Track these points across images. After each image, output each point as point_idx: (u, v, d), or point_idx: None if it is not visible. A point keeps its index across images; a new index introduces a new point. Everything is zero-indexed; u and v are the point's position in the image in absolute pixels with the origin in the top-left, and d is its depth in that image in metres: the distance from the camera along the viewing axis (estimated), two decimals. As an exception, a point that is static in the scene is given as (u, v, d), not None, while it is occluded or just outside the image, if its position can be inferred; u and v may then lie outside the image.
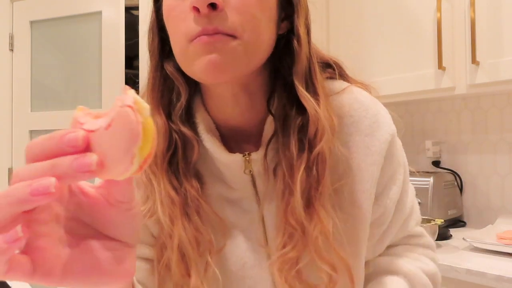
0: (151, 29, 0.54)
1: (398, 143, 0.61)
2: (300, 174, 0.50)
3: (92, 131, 0.28)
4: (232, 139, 0.57)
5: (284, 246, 0.51)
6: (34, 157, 0.29)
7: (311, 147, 0.51)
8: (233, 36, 0.46)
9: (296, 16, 0.52)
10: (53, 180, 0.27)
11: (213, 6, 0.44)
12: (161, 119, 0.53)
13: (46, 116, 2.24)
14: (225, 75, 0.47)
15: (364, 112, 0.57)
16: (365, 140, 0.55)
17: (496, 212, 1.65)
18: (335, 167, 0.54)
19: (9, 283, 1.09)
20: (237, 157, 0.54)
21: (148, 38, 0.55)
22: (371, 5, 1.75)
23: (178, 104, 0.54)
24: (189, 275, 0.51)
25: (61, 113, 2.21)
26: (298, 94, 0.52)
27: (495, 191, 1.67)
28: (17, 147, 2.29)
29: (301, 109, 0.52)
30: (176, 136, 0.53)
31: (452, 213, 1.67)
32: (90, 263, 0.32)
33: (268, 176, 0.54)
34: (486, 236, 1.38)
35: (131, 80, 3.09)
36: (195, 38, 0.46)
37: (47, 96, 2.26)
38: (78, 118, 0.30)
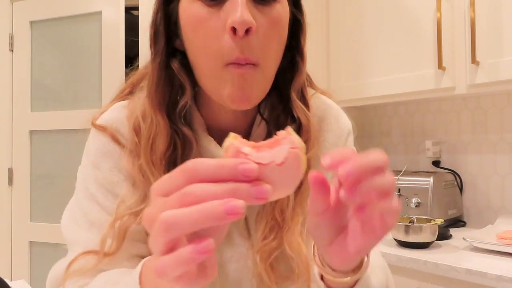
0: (158, 29, 0.54)
1: (352, 137, 0.69)
2: None
3: (263, 164, 0.32)
4: (221, 140, 0.57)
5: (265, 238, 0.55)
6: (201, 178, 0.31)
7: None
8: (256, 65, 0.49)
9: (302, 35, 0.56)
10: (242, 202, 0.30)
11: (246, 30, 0.47)
12: (163, 119, 0.54)
13: (46, 116, 2.24)
14: (249, 105, 0.51)
15: (329, 113, 0.65)
16: (330, 135, 0.63)
17: (496, 212, 1.65)
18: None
19: (9, 283, 1.08)
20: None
21: (153, 38, 0.54)
22: (371, 5, 1.75)
23: (182, 103, 0.55)
24: None
25: (61, 113, 2.21)
26: (294, 105, 0.57)
27: (495, 191, 1.67)
28: (17, 147, 2.29)
29: (292, 117, 0.57)
30: (176, 136, 0.54)
31: (452, 213, 1.67)
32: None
33: None
34: (486, 236, 1.38)
35: (131, 80, 3.08)
36: (229, 64, 0.48)
37: (47, 96, 2.26)
38: (240, 148, 0.33)
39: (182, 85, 0.55)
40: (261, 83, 0.50)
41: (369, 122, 2.14)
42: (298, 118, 0.57)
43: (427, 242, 1.38)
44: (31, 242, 2.26)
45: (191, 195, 0.30)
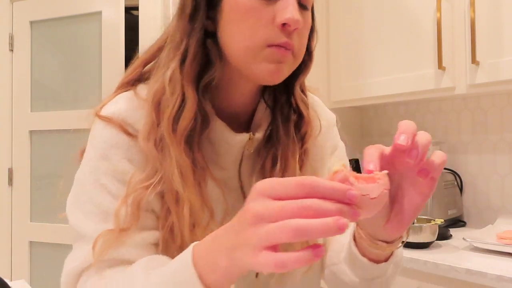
0: (198, 8, 0.57)
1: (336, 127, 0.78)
2: (296, 161, 0.63)
3: (362, 194, 0.40)
4: (228, 124, 0.62)
5: None
6: (316, 195, 0.37)
7: (302, 142, 0.65)
8: (293, 54, 0.57)
9: (312, 37, 0.63)
10: (347, 221, 0.36)
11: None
12: (193, 94, 0.56)
13: (46, 116, 2.24)
14: (278, 80, 0.58)
15: (317, 106, 0.73)
16: (323, 124, 0.69)
17: (496, 212, 1.65)
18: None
19: (9, 283, 1.08)
20: (244, 136, 0.61)
21: (190, 14, 0.57)
22: (371, 5, 1.75)
23: (210, 81, 0.58)
24: (195, 235, 0.55)
25: (61, 113, 2.21)
26: (297, 98, 0.65)
27: (495, 191, 1.67)
28: (17, 147, 2.29)
29: (293, 109, 0.65)
30: (199, 111, 0.57)
31: (452, 213, 1.67)
32: None
33: (255, 156, 0.64)
34: (486, 236, 1.38)
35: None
36: (274, 45, 0.55)
37: (47, 96, 2.26)
38: (348, 177, 0.40)
39: (208, 63, 0.58)
40: (290, 68, 0.59)
41: (369, 122, 2.14)
42: (299, 109, 0.65)
43: (427, 242, 1.38)
44: (31, 242, 2.26)
45: (311, 208, 0.36)
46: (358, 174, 0.42)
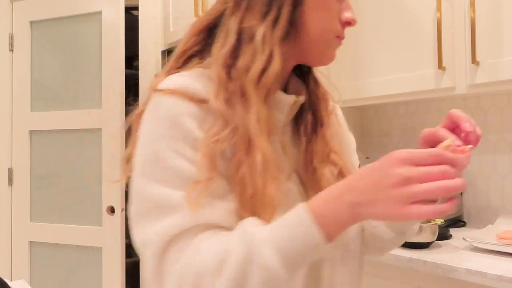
0: None
1: None
2: (328, 124, 0.75)
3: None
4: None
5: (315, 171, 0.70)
6: (445, 162, 0.50)
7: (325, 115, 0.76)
8: None
9: None
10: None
11: None
12: (280, 55, 0.63)
13: (46, 116, 2.24)
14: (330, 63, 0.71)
15: None
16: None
17: (496, 212, 1.65)
18: None
19: (9, 283, 1.08)
20: (292, 98, 0.69)
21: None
22: (371, 5, 1.75)
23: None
24: (267, 184, 0.58)
25: (61, 113, 2.21)
26: (316, 77, 0.78)
27: (495, 191, 1.67)
28: (17, 147, 2.29)
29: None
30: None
31: (452, 213, 1.67)
32: None
33: (293, 121, 0.72)
34: (486, 236, 1.38)
35: (132, 80, 3.09)
36: (337, 37, 0.69)
37: (47, 96, 2.26)
38: (455, 148, 0.56)
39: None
40: None
41: (369, 122, 2.14)
42: (312, 88, 0.76)
43: (427, 242, 1.38)
44: (31, 242, 2.26)
45: (447, 173, 0.48)
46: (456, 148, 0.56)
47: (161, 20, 2.33)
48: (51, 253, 2.23)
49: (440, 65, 1.49)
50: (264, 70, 0.61)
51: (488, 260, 1.22)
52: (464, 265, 1.17)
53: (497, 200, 1.66)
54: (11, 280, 1.29)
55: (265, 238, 0.51)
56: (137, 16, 2.35)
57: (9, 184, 2.29)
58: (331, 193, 0.53)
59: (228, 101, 0.60)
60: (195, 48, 0.69)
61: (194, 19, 2.38)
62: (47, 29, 2.27)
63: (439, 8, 1.49)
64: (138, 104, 0.68)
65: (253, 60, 0.61)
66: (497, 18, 1.37)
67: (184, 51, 0.69)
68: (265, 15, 0.62)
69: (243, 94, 0.60)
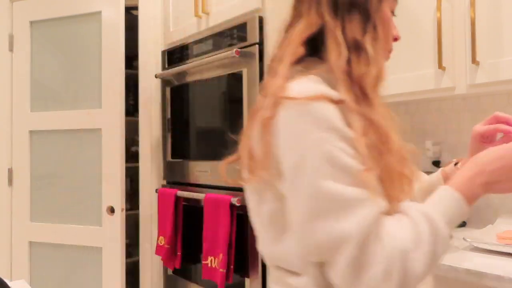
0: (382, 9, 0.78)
1: None
2: None
3: None
4: None
5: None
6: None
7: None
8: None
9: None
10: None
11: None
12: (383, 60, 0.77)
13: (46, 116, 2.24)
14: None
15: None
16: None
17: (496, 212, 1.65)
18: None
19: (9, 283, 1.08)
20: None
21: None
22: (371, 5, 1.75)
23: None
24: (403, 170, 0.69)
25: (61, 113, 2.21)
26: None
27: (495, 191, 1.67)
28: (17, 147, 2.29)
29: None
30: None
31: (452, 213, 1.67)
32: None
33: None
34: (486, 236, 1.38)
35: (132, 80, 3.09)
36: (389, 51, 0.83)
37: (47, 96, 2.26)
38: None
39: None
40: None
41: (369, 122, 2.14)
42: None
43: (427, 242, 1.38)
44: (31, 242, 2.26)
45: None
46: None
47: (161, 20, 2.33)
48: (51, 253, 2.23)
49: (440, 65, 1.49)
50: (377, 77, 0.71)
51: (488, 260, 1.22)
52: (464, 265, 1.17)
53: (497, 200, 1.66)
54: (11, 280, 1.29)
55: (437, 215, 0.64)
56: (137, 16, 2.35)
57: (9, 184, 2.29)
58: (465, 175, 0.69)
59: (356, 102, 0.67)
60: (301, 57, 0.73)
61: (194, 19, 2.37)
62: (47, 29, 2.27)
63: (439, 8, 1.49)
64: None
65: (369, 69, 0.70)
66: (497, 18, 1.37)
67: (295, 60, 0.72)
68: (364, 29, 0.72)
69: (366, 96, 0.69)
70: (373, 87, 0.70)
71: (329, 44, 0.71)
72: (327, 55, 0.71)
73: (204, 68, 2.01)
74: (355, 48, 0.70)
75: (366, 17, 0.73)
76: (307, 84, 0.67)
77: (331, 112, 0.63)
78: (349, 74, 0.69)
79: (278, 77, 0.69)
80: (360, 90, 0.69)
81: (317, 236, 0.60)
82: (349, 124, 0.65)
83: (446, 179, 0.98)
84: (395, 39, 0.83)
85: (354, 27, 0.71)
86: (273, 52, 0.78)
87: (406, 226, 0.62)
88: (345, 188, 0.60)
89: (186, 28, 2.15)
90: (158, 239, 2.13)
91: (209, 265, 1.79)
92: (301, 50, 0.72)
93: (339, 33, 0.71)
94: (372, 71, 0.70)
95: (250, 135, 0.71)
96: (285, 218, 0.68)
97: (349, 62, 0.70)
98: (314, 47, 0.73)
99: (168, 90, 2.25)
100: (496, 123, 0.88)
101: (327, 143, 0.62)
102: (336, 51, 0.70)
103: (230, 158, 0.81)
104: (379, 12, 0.75)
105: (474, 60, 1.40)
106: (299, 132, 0.63)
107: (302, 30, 0.73)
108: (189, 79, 2.11)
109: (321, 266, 0.65)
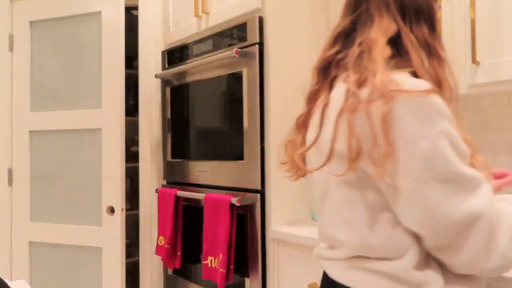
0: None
1: None
2: None
3: None
4: None
5: None
6: None
7: None
8: None
9: None
10: None
11: None
12: None
13: (46, 116, 2.24)
14: None
15: None
16: None
17: (496, 212, 1.65)
18: None
19: (9, 283, 1.08)
20: None
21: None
22: (371, 5, 1.75)
23: None
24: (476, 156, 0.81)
25: (61, 113, 2.21)
26: None
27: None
28: (17, 147, 2.29)
29: None
30: None
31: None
32: None
33: None
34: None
35: (132, 80, 3.09)
36: None
37: (47, 96, 2.26)
38: None
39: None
40: None
41: (369, 122, 2.13)
42: None
43: (427, 242, 1.38)
44: (31, 242, 2.26)
45: None
46: None
47: (161, 20, 2.34)
48: (51, 253, 2.23)
49: (440, 65, 1.49)
50: (451, 74, 0.82)
51: (488, 260, 1.21)
52: None
53: (497, 200, 1.66)
54: (11, 280, 1.29)
55: None
56: (137, 16, 2.35)
57: (9, 184, 2.29)
58: None
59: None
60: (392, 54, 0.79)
61: (194, 19, 2.37)
62: (47, 29, 2.27)
63: (439, 8, 1.49)
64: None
65: (443, 69, 0.81)
66: (497, 18, 1.37)
67: (388, 56, 0.77)
68: (430, 33, 0.81)
69: (444, 94, 0.78)
70: (448, 85, 0.79)
71: (408, 47, 0.78)
72: (408, 56, 0.78)
73: (204, 68, 2.01)
74: (428, 50, 0.80)
75: (431, 23, 0.82)
76: (415, 79, 0.73)
77: (443, 104, 0.71)
78: (429, 73, 0.77)
79: (380, 73, 0.72)
80: (438, 88, 0.77)
81: (454, 216, 0.68)
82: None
83: None
84: None
85: (423, 31, 0.80)
86: (332, 53, 0.85)
87: (507, 209, 0.75)
88: (469, 170, 0.70)
89: (186, 28, 2.15)
90: (158, 239, 2.13)
91: (209, 265, 1.79)
92: (388, 50, 0.77)
93: (412, 37, 0.79)
94: (446, 71, 0.80)
95: (348, 131, 0.73)
96: (383, 207, 0.75)
97: (425, 63, 0.78)
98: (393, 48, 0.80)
99: (168, 90, 2.25)
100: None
101: (450, 132, 0.70)
102: (416, 53, 0.78)
103: (306, 148, 0.85)
104: (436, 18, 0.84)
105: (474, 60, 1.40)
106: (426, 122, 0.69)
107: (382, 33, 0.78)
108: (189, 79, 2.11)
109: (422, 249, 0.74)
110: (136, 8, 2.44)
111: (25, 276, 2.25)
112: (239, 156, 1.80)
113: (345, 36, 0.85)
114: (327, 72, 0.87)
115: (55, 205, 2.23)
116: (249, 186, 1.76)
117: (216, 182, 1.93)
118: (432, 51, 0.80)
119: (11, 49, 2.31)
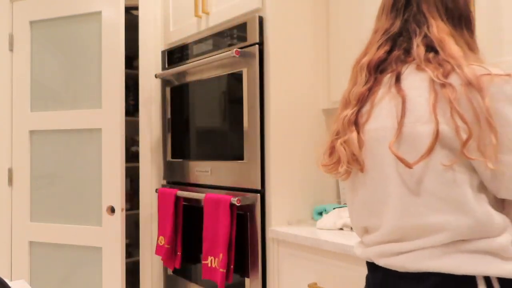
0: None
1: None
2: None
3: None
4: None
5: None
6: None
7: None
8: None
9: None
10: None
11: None
12: None
13: (46, 116, 2.24)
14: None
15: None
16: None
17: (496, 212, 1.64)
18: None
19: (9, 283, 1.08)
20: None
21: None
22: (372, 5, 1.75)
23: None
24: None
25: (61, 113, 2.21)
26: None
27: (495, 191, 1.67)
28: (17, 147, 2.29)
29: None
30: None
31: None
32: None
33: None
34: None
35: (132, 80, 3.09)
36: None
37: (47, 96, 2.26)
38: None
39: None
40: None
41: (369, 122, 2.13)
42: None
43: (427, 242, 1.38)
44: (31, 242, 2.26)
45: None
46: None
47: (161, 20, 2.34)
48: (51, 253, 2.23)
49: (440, 65, 1.49)
50: None
51: (488, 260, 1.21)
52: (464, 265, 1.17)
53: (497, 200, 1.66)
54: (11, 280, 1.29)
55: None
56: (137, 16, 2.35)
57: (9, 184, 2.29)
58: None
59: None
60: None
61: (194, 19, 2.38)
62: (47, 29, 2.28)
63: (439, 8, 1.49)
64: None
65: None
66: (497, 18, 1.37)
67: (463, 54, 0.84)
68: (470, 34, 0.91)
69: None
70: None
71: (462, 46, 0.86)
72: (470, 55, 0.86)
73: (204, 68, 2.02)
74: (473, 52, 0.88)
75: (470, 27, 0.91)
76: (494, 68, 0.79)
77: None
78: None
79: (466, 66, 0.79)
80: None
81: None
82: None
83: None
84: None
85: (466, 35, 0.89)
86: (383, 53, 0.92)
87: None
88: None
89: (186, 28, 2.15)
90: (158, 239, 2.13)
91: (209, 265, 1.79)
92: (461, 49, 0.84)
93: (461, 40, 0.87)
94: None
95: (457, 116, 0.77)
96: (481, 188, 0.80)
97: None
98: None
99: (168, 90, 2.25)
100: None
101: None
102: (472, 56, 0.86)
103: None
104: (474, 24, 0.92)
105: (474, 60, 1.39)
106: None
107: (446, 34, 0.86)
108: (189, 79, 2.11)
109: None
110: (136, 8, 2.45)
111: (25, 276, 2.25)
112: (239, 156, 1.80)
113: (396, 37, 0.92)
114: (378, 70, 0.93)
115: (55, 205, 2.23)
116: (249, 186, 1.76)
117: (216, 182, 1.93)
118: (476, 55, 0.87)
119: (11, 49, 2.31)
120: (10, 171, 2.29)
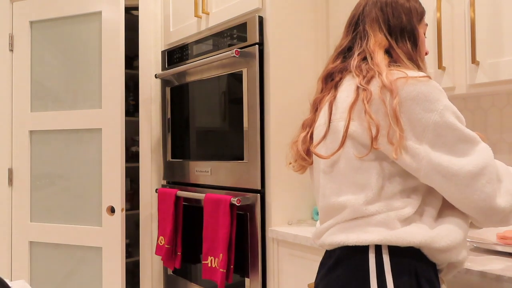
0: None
1: None
2: None
3: None
4: None
5: None
6: None
7: None
8: None
9: None
10: None
11: None
12: None
13: (46, 116, 2.24)
14: None
15: None
16: None
17: (496, 212, 1.64)
18: None
19: (9, 283, 1.08)
20: None
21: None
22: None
23: None
24: None
25: (61, 113, 2.21)
26: None
27: (495, 191, 1.67)
28: (17, 147, 2.29)
29: None
30: None
31: (452, 213, 1.67)
32: None
33: None
34: (486, 236, 1.38)
35: (132, 80, 3.09)
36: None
37: (47, 96, 2.26)
38: None
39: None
40: None
41: (369, 122, 2.13)
42: None
43: (427, 242, 1.38)
44: (31, 242, 2.26)
45: None
46: None
47: (161, 20, 2.34)
48: (51, 253, 2.23)
49: (440, 65, 1.49)
50: None
51: (488, 260, 1.22)
52: (464, 265, 1.17)
53: (497, 200, 1.66)
54: (11, 280, 1.29)
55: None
56: (137, 16, 2.35)
57: (9, 184, 2.29)
58: None
59: None
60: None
61: (194, 19, 2.38)
62: (47, 29, 2.27)
63: (439, 8, 1.49)
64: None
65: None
66: (497, 18, 1.37)
67: (388, 62, 0.96)
68: (413, 48, 1.03)
69: None
70: None
71: (398, 57, 0.98)
72: (400, 63, 0.97)
73: (204, 68, 2.02)
74: (412, 61, 0.99)
75: (413, 40, 1.01)
76: (413, 71, 0.91)
77: (440, 88, 0.90)
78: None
79: (385, 72, 0.91)
80: None
81: (468, 166, 0.87)
82: None
83: None
84: (426, 54, 1.07)
85: (407, 47, 1.00)
86: (334, 66, 1.05)
87: (502, 166, 0.94)
88: (470, 132, 0.90)
89: (186, 28, 2.15)
90: (158, 239, 2.13)
91: (209, 265, 1.80)
92: (387, 58, 0.97)
93: (399, 51, 0.98)
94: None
95: (366, 117, 0.89)
96: (394, 178, 0.91)
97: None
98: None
99: (168, 90, 2.25)
100: None
101: (451, 106, 0.89)
102: (404, 63, 0.97)
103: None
104: (419, 36, 1.03)
105: (474, 60, 1.40)
106: (433, 99, 0.87)
107: (378, 45, 0.99)
108: (189, 79, 2.11)
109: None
110: (136, 8, 2.45)
111: (25, 276, 2.25)
112: (239, 156, 1.80)
113: (346, 52, 1.05)
114: (329, 79, 1.06)
115: (55, 205, 2.23)
116: (249, 186, 1.76)
117: (216, 182, 1.93)
118: (414, 64, 0.98)
119: (11, 49, 2.31)
120: (10, 171, 2.29)
